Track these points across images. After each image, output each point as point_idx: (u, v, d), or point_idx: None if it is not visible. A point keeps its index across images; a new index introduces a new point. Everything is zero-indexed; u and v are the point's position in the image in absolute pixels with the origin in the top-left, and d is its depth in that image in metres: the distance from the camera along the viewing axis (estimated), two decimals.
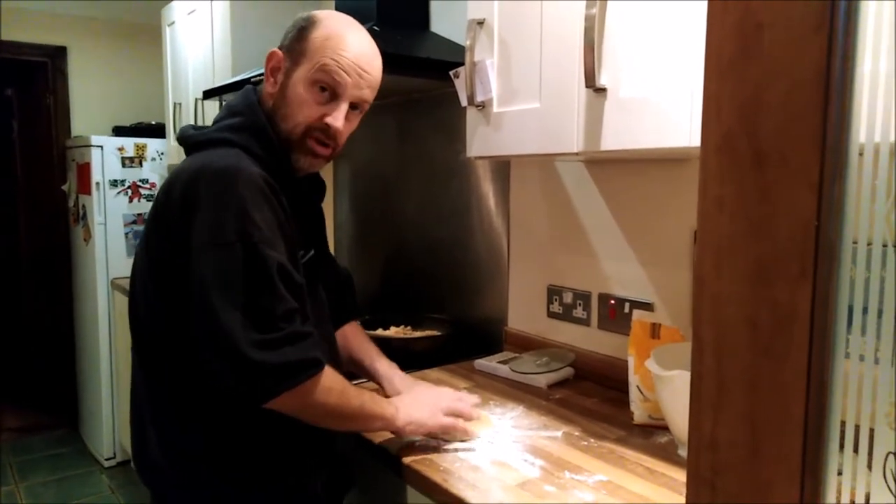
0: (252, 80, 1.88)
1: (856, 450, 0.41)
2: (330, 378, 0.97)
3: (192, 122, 2.67)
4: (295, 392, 0.92)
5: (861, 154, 0.41)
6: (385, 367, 1.31)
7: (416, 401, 1.12)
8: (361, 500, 1.27)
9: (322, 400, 0.96)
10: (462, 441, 1.13)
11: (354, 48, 1.05)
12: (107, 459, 3.18)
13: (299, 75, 1.04)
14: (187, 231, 0.92)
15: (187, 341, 0.95)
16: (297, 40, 1.05)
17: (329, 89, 1.04)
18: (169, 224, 0.96)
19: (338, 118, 1.04)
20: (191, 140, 1.05)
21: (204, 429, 1.00)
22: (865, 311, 0.41)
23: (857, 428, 0.41)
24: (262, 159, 1.00)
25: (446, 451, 1.10)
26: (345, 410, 1.00)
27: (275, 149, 1.03)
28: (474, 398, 1.21)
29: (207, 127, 1.09)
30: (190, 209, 0.93)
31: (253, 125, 1.03)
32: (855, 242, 0.41)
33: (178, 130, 1.11)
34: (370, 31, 1.75)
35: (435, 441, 1.12)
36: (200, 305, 0.90)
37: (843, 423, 0.41)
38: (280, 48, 1.07)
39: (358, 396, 1.03)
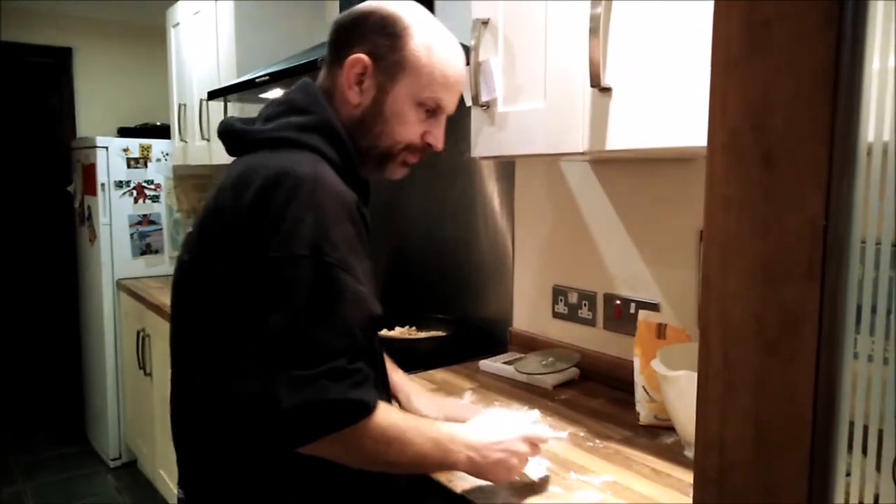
0: (256, 80, 1.89)
1: (864, 450, 0.40)
2: (383, 421, 0.82)
3: (198, 123, 2.67)
4: (335, 438, 0.79)
5: (869, 153, 0.40)
6: (401, 381, 1.22)
7: (492, 454, 0.91)
8: None
9: (370, 448, 0.82)
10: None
11: (458, 62, 0.99)
12: (112, 460, 3.19)
13: (401, 92, 0.95)
14: (257, 242, 0.81)
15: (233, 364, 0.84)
16: (392, 49, 0.94)
17: (434, 109, 0.99)
18: (236, 232, 0.84)
19: (441, 138, 1.01)
20: (248, 137, 0.93)
21: (254, 457, 0.88)
22: (874, 310, 0.41)
23: (865, 428, 0.40)
24: (336, 165, 0.90)
25: None
26: (401, 461, 0.85)
27: (349, 153, 0.93)
28: (547, 431, 1.03)
29: (253, 120, 0.97)
30: (263, 218, 0.81)
31: (324, 126, 0.92)
32: (863, 242, 0.41)
33: (221, 124, 0.98)
34: None
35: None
36: (252, 325, 0.80)
37: (850, 424, 0.41)
38: (367, 54, 0.94)
39: (420, 444, 0.86)
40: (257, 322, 0.80)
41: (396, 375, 1.23)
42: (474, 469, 0.91)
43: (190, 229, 0.98)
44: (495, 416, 1.19)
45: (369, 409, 0.80)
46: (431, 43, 0.95)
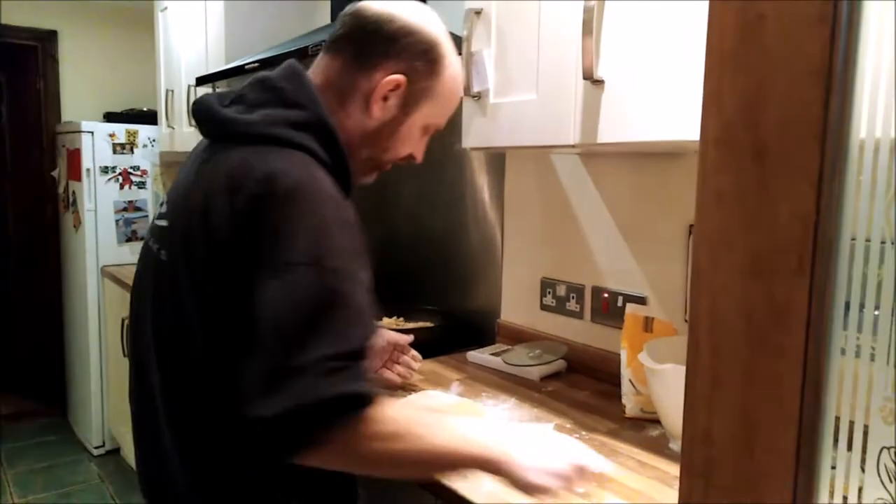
0: (246, 66, 1.87)
1: (850, 446, 0.41)
2: (383, 413, 0.73)
3: (186, 110, 2.64)
4: (330, 441, 0.71)
5: (861, 150, 0.41)
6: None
7: (535, 445, 0.82)
8: None
9: (370, 447, 0.73)
10: None
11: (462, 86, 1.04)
12: (96, 448, 3.17)
13: (419, 118, 0.95)
14: (254, 252, 0.76)
15: (224, 372, 0.78)
16: (426, 76, 0.93)
17: (434, 131, 1.01)
18: (231, 242, 0.78)
19: (422, 152, 1.03)
20: (234, 129, 0.85)
21: (232, 461, 0.83)
22: (862, 307, 0.41)
23: (851, 424, 0.41)
24: (328, 166, 0.85)
25: None
26: (413, 452, 0.75)
27: (343, 156, 0.89)
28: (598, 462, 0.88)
29: (230, 99, 0.89)
30: (259, 227, 0.76)
31: (318, 125, 0.87)
32: (853, 238, 0.41)
33: (196, 102, 0.90)
34: None
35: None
36: (252, 339, 0.73)
37: (837, 420, 0.41)
38: (404, 73, 0.91)
39: (438, 435, 0.77)
40: (258, 336, 0.73)
41: None
42: (514, 471, 0.77)
43: (161, 221, 0.90)
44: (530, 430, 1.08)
45: (365, 402, 0.71)
46: (454, 76, 0.97)
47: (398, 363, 1.30)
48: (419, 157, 1.02)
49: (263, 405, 0.68)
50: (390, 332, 1.32)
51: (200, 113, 0.90)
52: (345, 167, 0.89)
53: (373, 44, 0.91)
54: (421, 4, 0.97)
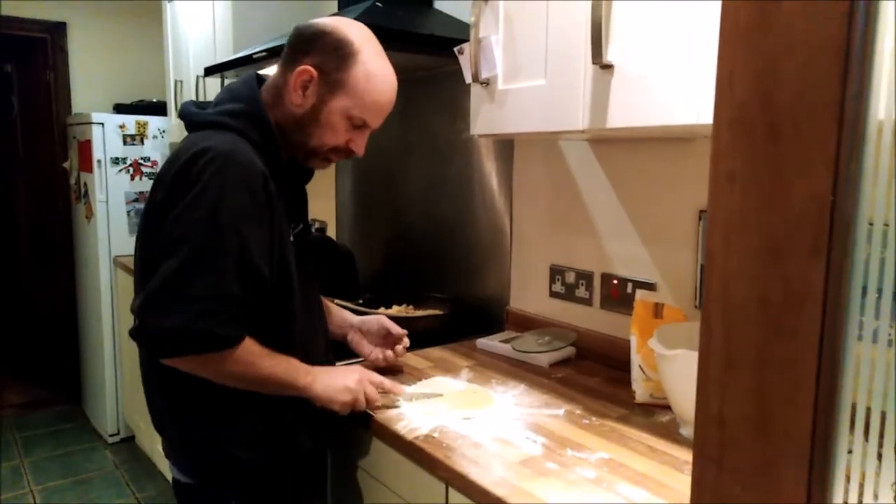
0: (254, 56, 1.86)
1: (866, 432, 0.40)
2: (242, 350, 1.01)
3: (194, 100, 2.64)
4: (201, 360, 1.00)
5: (880, 131, 0.40)
6: (342, 312, 1.43)
7: (335, 372, 1.16)
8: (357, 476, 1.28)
9: (228, 369, 1.01)
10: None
11: (390, 92, 1.13)
12: (110, 435, 3.21)
13: (337, 106, 1.10)
14: (174, 204, 0.99)
15: None
16: (337, 69, 1.08)
17: (361, 125, 1.13)
18: (164, 198, 1.02)
19: (363, 147, 1.16)
20: (193, 119, 1.11)
21: (192, 382, 1.06)
22: (880, 293, 0.40)
23: (867, 410, 0.40)
24: (259, 144, 1.07)
25: (446, 428, 1.10)
26: (253, 379, 1.04)
27: (272, 136, 1.09)
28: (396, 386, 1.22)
29: (209, 104, 1.14)
30: (180, 186, 0.99)
31: (252, 113, 1.09)
32: (871, 223, 0.40)
33: (180, 106, 1.16)
34: (373, 7, 1.72)
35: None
36: (154, 265, 0.99)
37: (853, 406, 0.41)
38: (314, 66, 1.08)
39: (270, 367, 1.05)
40: (158, 263, 0.98)
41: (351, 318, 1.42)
42: (319, 385, 1.09)
43: None
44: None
45: (229, 343, 0.99)
46: (370, 71, 1.10)
47: (391, 349, 1.37)
48: (358, 150, 1.16)
49: (157, 319, 0.96)
50: (386, 319, 1.40)
51: (181, 113, 1.15)
52: (274, 145, 1.09)
53: (297, 46, 1.11)
54: (348, 18, 1.14)
